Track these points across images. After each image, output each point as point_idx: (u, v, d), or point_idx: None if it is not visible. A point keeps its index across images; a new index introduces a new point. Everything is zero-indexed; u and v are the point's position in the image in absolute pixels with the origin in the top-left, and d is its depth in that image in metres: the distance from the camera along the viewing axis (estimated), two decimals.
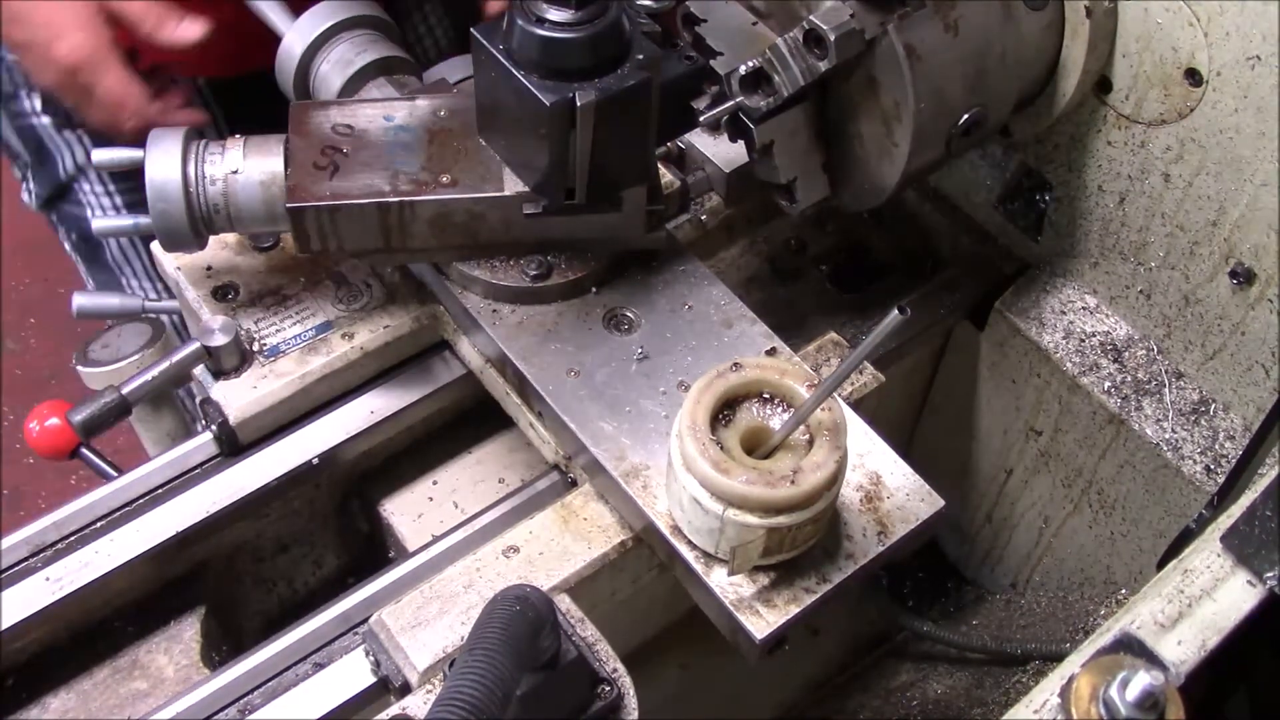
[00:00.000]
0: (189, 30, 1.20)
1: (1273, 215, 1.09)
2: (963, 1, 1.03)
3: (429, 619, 0.98)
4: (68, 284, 3.25)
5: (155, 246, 1.16)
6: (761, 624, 0.93)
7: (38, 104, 1.51)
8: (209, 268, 1.20)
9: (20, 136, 1.57)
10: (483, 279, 1.13)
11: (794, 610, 0.94)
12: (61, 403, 1.18)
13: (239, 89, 1.52)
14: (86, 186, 1.58)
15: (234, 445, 1.14)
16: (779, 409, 0.94)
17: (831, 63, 1.00)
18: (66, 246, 1.70)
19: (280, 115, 1.11)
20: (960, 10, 1.03)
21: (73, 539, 1.10)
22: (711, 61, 1.12)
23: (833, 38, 0.99)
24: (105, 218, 1.16)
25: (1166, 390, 1.26)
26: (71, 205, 1.61)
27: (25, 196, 1.65)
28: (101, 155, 1.13)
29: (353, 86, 1.23)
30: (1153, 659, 0.85)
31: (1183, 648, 0.86)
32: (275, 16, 1.25)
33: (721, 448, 0.90)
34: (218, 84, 1.54)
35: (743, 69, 1.04)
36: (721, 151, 1.23)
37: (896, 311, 0.80)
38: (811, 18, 1.00)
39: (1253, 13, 1.01)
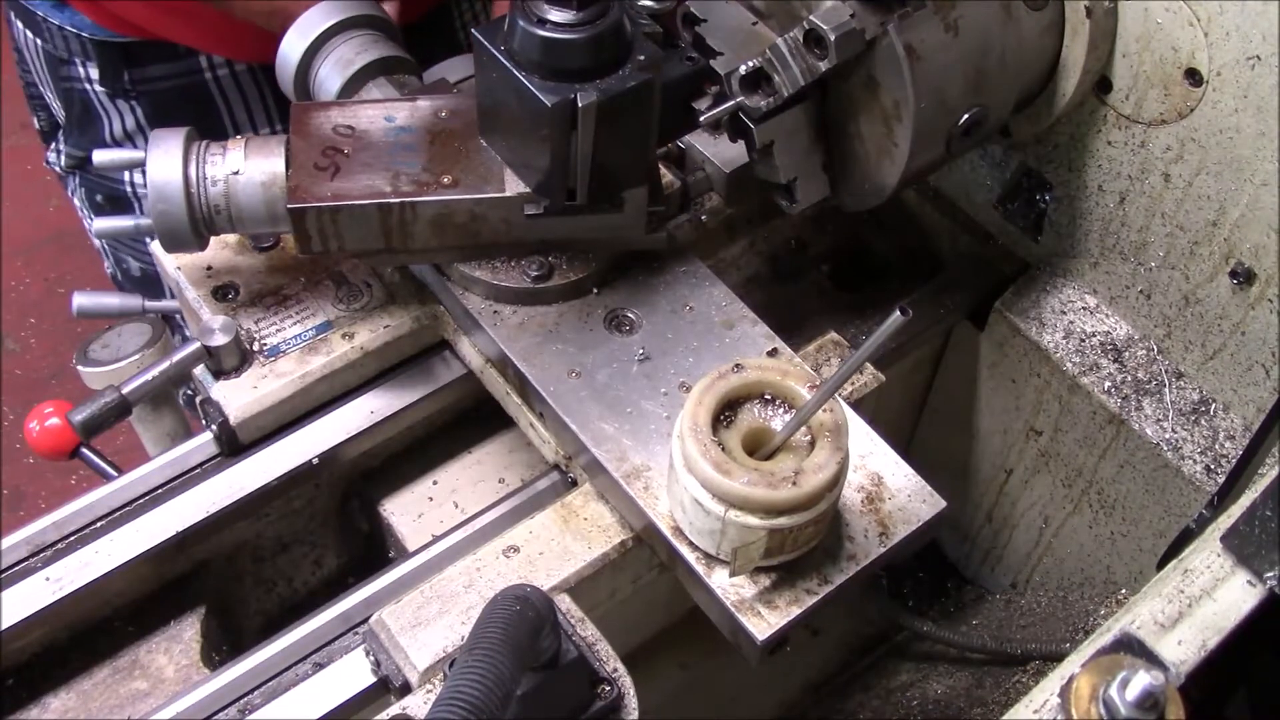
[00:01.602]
0: None
1: (1273, 215, 1.09)
2: (963, 1, 1.03)
3: (429, 619, 0.98)
4: (68, 284, 3.26)
5: (155, 246, 1.16)
6: (763, 625, 0.93)
7: (94, 73, 1.53)
8: (209, 268, 1.20)
9: (64, 98, 1.59)
10: (484, 280, 1.13)
11: (795, 611, 0.94)
12: (62, 402, 1.18)
13: None
14: (118, 149, 1.59)
15: (234, 445, 1.14)
16: (780, 410, 0.94)
17: (832, 63, 1.00)
18: (80, 206, 1.71)
19: None
20: (960, 10, 1.03)
21: (73, 539, 1.10)
22: (711, 61, 1.12)
23: (833, 38, 0.99)
24: (106, 218, 1.16)
25: (1166, 390, 1.26)
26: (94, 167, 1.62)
27: (52, 156, 1.67)
28: (102, 156, 1.14)
29: (353, 86, 1.24)
30: (1153, 659, 0.85)
31: (1183, 648, 0.86)
32: None
33: (723, 449, 0.90)
34: (271, 69, 1.55)
35: (743, 69, 1.04)
36: (721, 151, 1.23)
37: (898, 312, 0.80)
38: (811, 18, 1.00)
39: (1253, 13, 1.01)
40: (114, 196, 1.65)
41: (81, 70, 1.54)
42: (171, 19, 1.47)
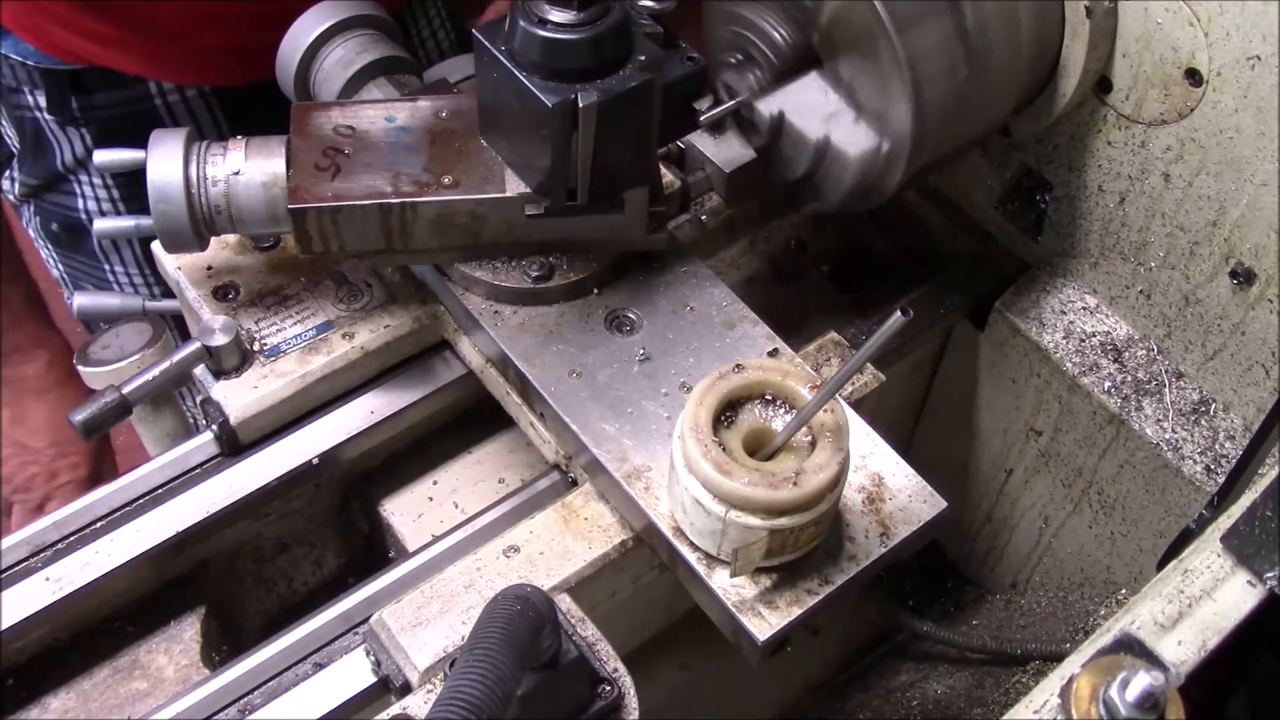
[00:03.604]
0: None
1: (1273, 215, 1.09)
2: (966, 1, 1.03)
3: (429, 619, 0.98)
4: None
5: (156, 246, 1.16)
6: (764, 625, 0.93)
7: (42, 100, 1.52)
8: (209, 267, 1.20)
9: (17, 126, 1.58)
10: (484, 280, 1.13)
11: (796, 612, 0.94)
12: None
13: (243, 98, 1.53)
14: (84, 178, 1.59)
15: (234, 445, 1.14)
16: (781, 410, 0.94)
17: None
18: (35, 237, 1.70)
19: (283, 123, 1.11)
20: (963, 10, 1.03)
21: (73, 539, 1.10)
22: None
23: None
24: (107, 219, 1.16)
25: (1166, 390, 1.26)
26: (60, 195, 1.62)
27: (5, 185, 1.66)
28: (103, 156, 1.13)
29: (353, 86, 1.24)
30: (1153, 659, 0.85)
31: (1183, 648, 0.86)
32: None
33: (724, 449, 0.90)
34: (223, 93, 1.55)
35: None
36: (722, 151, 1.23)
37: (899, 313, 0.80)
38: None
39: (1253, 13, 1.01)
40: (69, 225, 1.64)
41: (30, 98, 1.53)
42: (106, 47, 1.46)
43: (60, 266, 1.72)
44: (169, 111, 1.54)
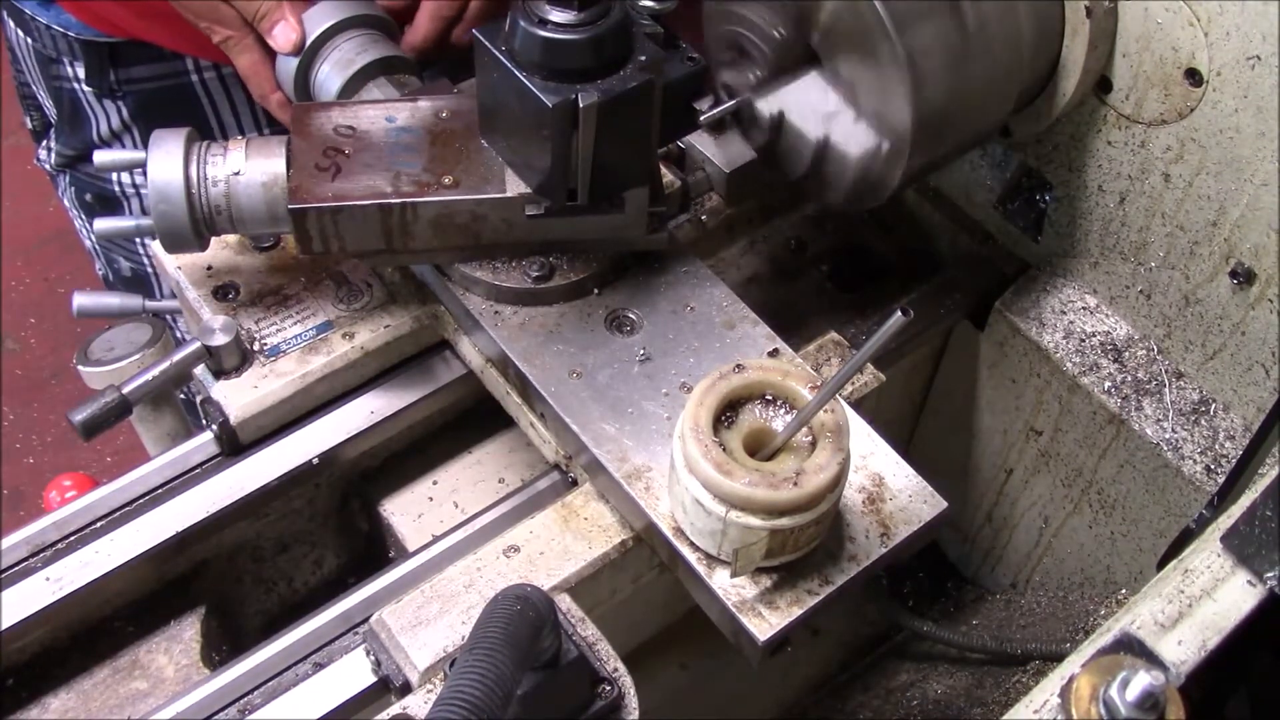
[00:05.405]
0: (282, 37, 1.26)
1: (1273, 215, 1.09)
2: (966, 1, 1.03)
3: (429, 618, 0.98)
4: (68, 284, 3.26)
5: (156, 246, 1.17)
6: (764, 626, 0.93)
7: (81, 72, 1.53)
8: (209, 267, 1.20)
9: (54, 97, 1.59)
10: (484, 280, 1.13)
11: (797, 612, 0.94)
12: (81, 476, 1.18)
13: None
14: (119, 149, 1.59)
15: (234, 445, 1.14)
16: (782, 410, 0.94)
17: None
18: (69, 206, 1.71)
19: None
20: (962, 9, 1.03)
21: (73, 539, 1.10)
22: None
23: None
24: (107, 219, 1.16)
25: (1166, 390, 1.26)
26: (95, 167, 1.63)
27: (43, 154, 1.67)
28: (103, 157, 1.14)
29: (353, 86, 1.24)
30: (1153, 659, 0.85)
31: (1183, 648, 0.86)
32: None
33: (724, 449, 0.90)
34: None
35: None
36: (722, 151, 1.23)
37: (899, 313, 0.80)
38: None
39: (1253, 13, 1.01)
40: (103, 196, 1.65)
41: (69, 69, 1.54)
42: (149, 21, 1.47)
43: (93, 238, 1.73)
44: (205, 88, 1.55)
